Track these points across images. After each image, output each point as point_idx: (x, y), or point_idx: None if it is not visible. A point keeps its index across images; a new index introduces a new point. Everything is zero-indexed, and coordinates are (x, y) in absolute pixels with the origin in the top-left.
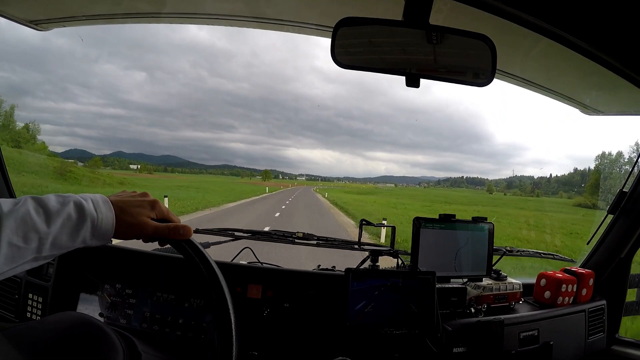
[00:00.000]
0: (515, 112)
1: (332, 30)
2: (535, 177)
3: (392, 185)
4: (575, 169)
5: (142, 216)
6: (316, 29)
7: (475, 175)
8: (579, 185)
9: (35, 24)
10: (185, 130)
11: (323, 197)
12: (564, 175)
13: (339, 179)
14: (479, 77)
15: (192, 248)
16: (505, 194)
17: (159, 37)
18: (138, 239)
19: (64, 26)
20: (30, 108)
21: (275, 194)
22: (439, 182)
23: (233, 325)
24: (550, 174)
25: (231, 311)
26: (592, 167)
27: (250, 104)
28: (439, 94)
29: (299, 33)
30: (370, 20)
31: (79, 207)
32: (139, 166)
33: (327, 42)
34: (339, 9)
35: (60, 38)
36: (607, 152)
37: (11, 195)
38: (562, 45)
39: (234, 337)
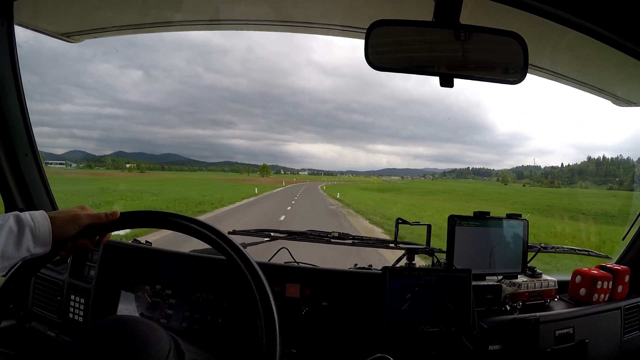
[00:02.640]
0: (517, 100)
1: (359, 31)
2: (543, 167)
3: (398, 178)
4: (589, 157)
5: (73, 212)
6: (344, 30)
7: (480, 166)
8: (594, 174)
9: (67, 36)
10: (184, 128)
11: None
12: (576, 164)
13: (341, 172)
14: (511, 74)
15: (233, 249)
16: (524, 185)
17: (152, 35)
18: (78, 236)
19: (95, 37)
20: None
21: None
22: (445, 174)
23: (277, 324)
24: (562, 163)
25: (274, 310)
26: (607, 155)
27: (249, 99)
28: (437, 85)
29: (327, 35)
30: (402, 22)
31: (18, 219)
32: (130, 165)
33: (324, 37)
34: (367, 10)
35: (52, 39)
36: None
37: (53, 205)
38: (592, 38)
39: (277, 335)
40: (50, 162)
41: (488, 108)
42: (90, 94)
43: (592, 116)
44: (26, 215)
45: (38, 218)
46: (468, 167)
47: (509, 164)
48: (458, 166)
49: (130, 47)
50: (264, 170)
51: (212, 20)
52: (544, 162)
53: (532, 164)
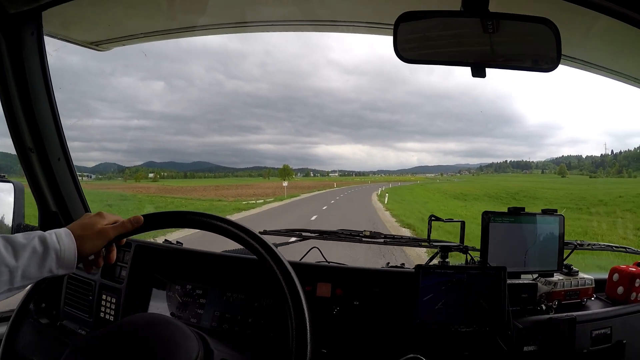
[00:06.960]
0: (546, 88)
1: (387, 27)
2: (584, 156)
3: (433, 175)
4: None
5: (98, 225)
6: (370, 27)
7: (517, 159)
8: None
9: (96, 45)
10: (212, 135)
11: None
12: (628, 151)
13: (372, 172)
14: (544, 62)
15: (265, 249)
16: (590, 177)
17: (169, 44)
18: (106, 249)
19: (123, 45)
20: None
21: None
22: (482, 169)
23: (308, 324)
24: (612, 150)
25: (305, 310)
26: None
27: (272, 103)
28: (462, 78)
29: (354, 32)
30: (430, 13)
31: (43, 241)
32: (152, 174)
33: (340, 35)
34: (393, 6)
35: (73, 55)
36: None
37: (85, 208)
38: (627, 24)
39: (308, 335)
40: None
41: (517, 98)
42: (115, 107)
43: (631, 100)
44: (52, 236)
45: (64, 240)
46: (506, 161)
47: (541, 155)
48: (490, 160)
49: (150, 58)
50: (284, 172)
51: (239, 23)
52: (577, 151)
53: (571, 154)
